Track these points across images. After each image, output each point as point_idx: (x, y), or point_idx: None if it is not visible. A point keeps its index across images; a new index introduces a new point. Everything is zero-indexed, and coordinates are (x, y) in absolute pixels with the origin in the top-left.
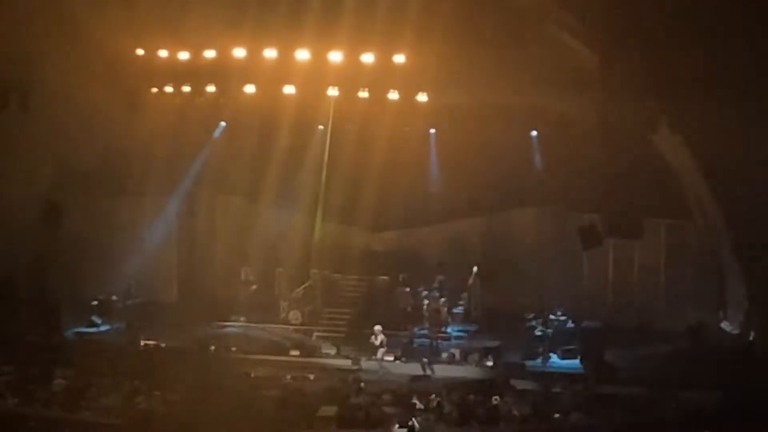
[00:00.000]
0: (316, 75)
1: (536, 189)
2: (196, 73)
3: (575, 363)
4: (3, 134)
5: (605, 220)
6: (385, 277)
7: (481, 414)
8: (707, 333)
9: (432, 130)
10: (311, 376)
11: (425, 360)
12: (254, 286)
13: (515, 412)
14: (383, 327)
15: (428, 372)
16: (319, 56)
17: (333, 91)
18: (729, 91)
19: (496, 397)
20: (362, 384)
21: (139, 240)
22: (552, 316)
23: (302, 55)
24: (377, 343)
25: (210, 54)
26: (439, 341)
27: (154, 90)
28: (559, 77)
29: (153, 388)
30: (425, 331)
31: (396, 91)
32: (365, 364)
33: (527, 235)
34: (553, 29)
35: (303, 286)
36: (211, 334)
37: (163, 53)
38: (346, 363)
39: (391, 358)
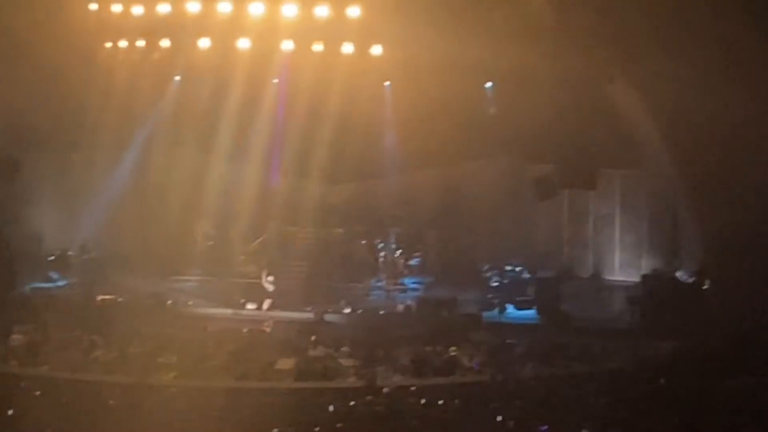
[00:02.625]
0: (270, 28)
1: (491, 140)
2: (150, 27)
3: (531, 313)
4: None
5: (560, 170)
6: (340, 230)
7: (438, 365)
8: (662, 282)
9: (387, 83)
10: (268, 329)
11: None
12: (211, 240)
13: (471, 363)
14: (339, 279)
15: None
16: (272, 9)
17: (287, 44)
18: (684, 40)
19: (453, 348)
20: (313, 337)
21: (95, 195)
22: (508, 267)
23: (256, 8)
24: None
25: (164, 8)
26: (396, 293)
27: (108, 45)
28: (513, 28)
29: (111, 342)
30: (381, 283)
31: (351, 44)
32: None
33: (482, 186)
34: None
35: (259, 240)
36: (168, 288)
37: (116, 8)
38: (302, 316)
39: (348, 310)
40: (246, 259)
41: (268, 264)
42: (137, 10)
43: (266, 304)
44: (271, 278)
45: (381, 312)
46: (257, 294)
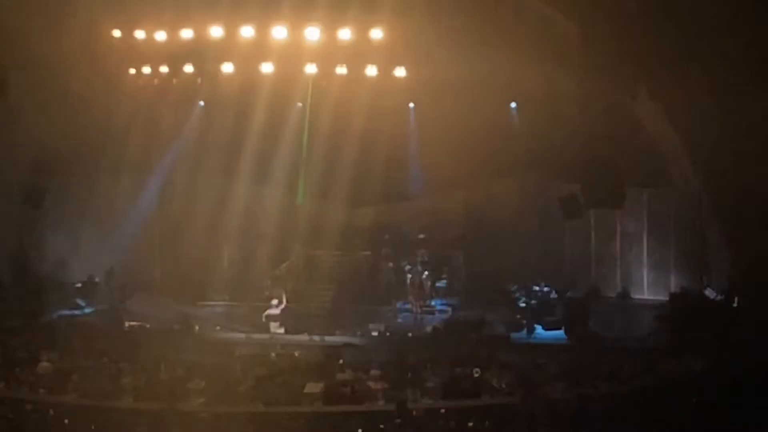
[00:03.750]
0: (294, 52)
1: (516, 160)
2: (173, 53)
3: (559, 333)
4: None
5: (586, 189)
6: (367, 253)
7: (466, 387)
8: (690, 300)
9: (411, 104)
10: (296, 353)
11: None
12: (237, 265)
13: (500, 385)
14: (367, 302)
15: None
16: (296, 33)
17: (311, 68)
18: (711, 58)
19: (477, 369)
20: (341, 360)
21: (121, 221)
22: (535, 287)
23: (279, 32)
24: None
25: (187, 33)
26: (423, 315)
27: (132, 71)
28: (537, 48)
29: (138, 369)
30: (409, 306)
31: (374, 66)
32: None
33: (508, 207)
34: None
35: (285, 264)
36: (195, 314)
37: (140, 34)
38: (330, 339)
39: (376, 333)
40: (272, 284)
41: (293, 288)
42: (160, 36)
43: (275, 328)
44: (275, 302)
45: (409, 334)
46: (284, 318)
